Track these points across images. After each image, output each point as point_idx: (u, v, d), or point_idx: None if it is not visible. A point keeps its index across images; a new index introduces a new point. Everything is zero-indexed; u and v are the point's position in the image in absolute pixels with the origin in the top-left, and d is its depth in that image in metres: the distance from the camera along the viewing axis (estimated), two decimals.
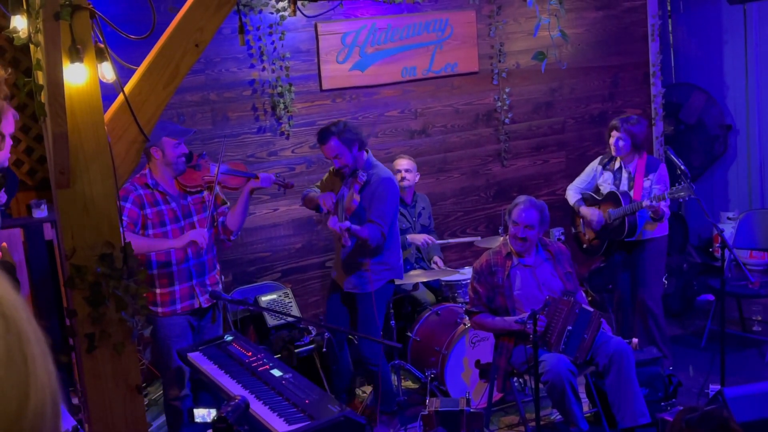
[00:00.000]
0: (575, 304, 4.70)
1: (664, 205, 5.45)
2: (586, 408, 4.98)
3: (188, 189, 4.54)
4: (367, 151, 5.06)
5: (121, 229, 3.47)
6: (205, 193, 4.59)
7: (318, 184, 5.31)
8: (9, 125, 2.75)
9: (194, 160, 4.61)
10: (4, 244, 3.92)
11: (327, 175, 5.27)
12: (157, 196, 4.47)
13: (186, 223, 4.53)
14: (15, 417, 0.77)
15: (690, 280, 6.91)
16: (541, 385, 4.56)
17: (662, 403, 5.02)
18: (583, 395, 4.96)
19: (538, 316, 4.47)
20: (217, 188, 4.63)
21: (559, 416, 4.86)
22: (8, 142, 2.97)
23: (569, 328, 4.66)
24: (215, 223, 4.67)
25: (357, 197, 4.90)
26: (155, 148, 4.43)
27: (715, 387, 4.83)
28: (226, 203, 4.72)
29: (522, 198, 5.05)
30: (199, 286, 4.56)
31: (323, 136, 4.92)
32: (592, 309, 4.79)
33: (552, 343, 4.68)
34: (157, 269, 4.46)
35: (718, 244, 6.70)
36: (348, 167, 4.94)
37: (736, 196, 7.72)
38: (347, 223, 4.76)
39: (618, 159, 5.71)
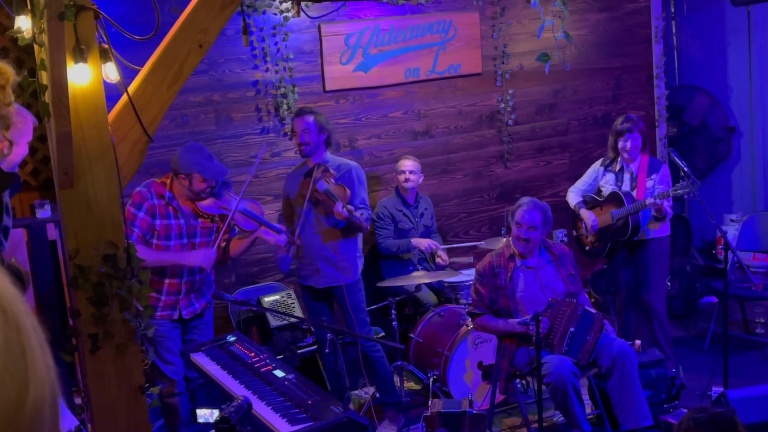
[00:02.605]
0: (578, 306, 4.69)
1: (667, 204, 5.45)
2: (588, 410, 4.97)
3: (201, 213, 4.55)
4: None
5: (124, 229, 3.46)
6: (217, 222, 4.60)
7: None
8: (24, 133, 2.73)
9: (217, 186, 4.62)
10: (15, 258, 3.93)
11: (286, 200, 5.39)
12: (169, 210, 4.48)
13: (188, 242, 4.55)
14: (14, 408, 0.78)
15: (693, 283, 6.91)
16: (543, 387, 4.55)
17: (665, 405, 5.01)
18: (585, 397, 4.96)
19: (540, 318, 4.47)
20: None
21: (562, 418, 4.85)
22: (21, 149, 2.97)
23: (572, 329, 4.65)
24: (218, 246, 4.69)
25: (339, 187, 5.10)
26: (183, 176, 4.42)
27: (718, 389, 4.83)
28: (234, 230, 4.75)
29: (525, 199, 5.04)
30: (184, 300, 4.59)
31: (301, 111, 5.22)
32: (594, 310, 4.78)
33: (555, 345, 4.67)
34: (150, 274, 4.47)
35: (721, 246, 6.68)
36: (309, 146, 5.13)
37: (740, 198, 7.71)
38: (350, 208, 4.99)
39: (620, 159, 5.71)
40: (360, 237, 5.37)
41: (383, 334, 5.92)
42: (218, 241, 4.59)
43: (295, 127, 5.19)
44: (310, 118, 5.11)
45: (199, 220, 4.57)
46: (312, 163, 5.18)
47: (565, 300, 4.73)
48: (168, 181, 4.52)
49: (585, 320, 4.68)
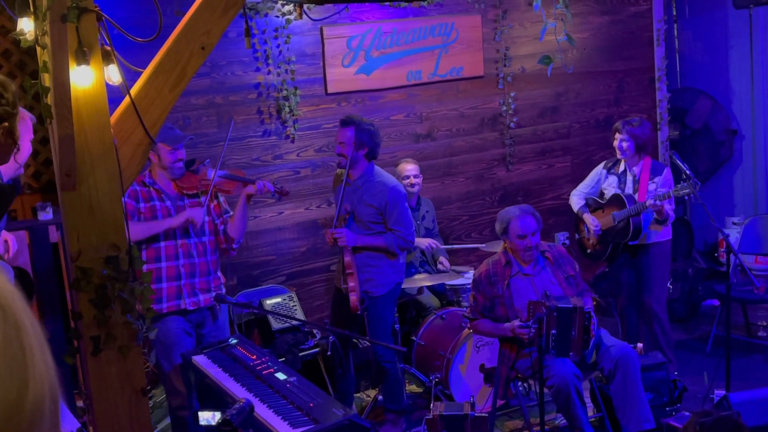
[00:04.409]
0: (551, 308, 4.56)
1: (668, 208, 5.45)
2: (590, 413, 4.96)
3: (185, 191, 4.59)
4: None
5: (126, 231, 3.47)
6: (204, 197, 4.61)
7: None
8: (25, 132, 2.74)
9: (195, 165, 4.67)
10: None
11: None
12: (152, 192, 4.56)
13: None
14: (14, 406, 0.78)
15: (695, 285, 6.90)
16: (546, 390, 4.53)
17: (667, 408, 5.00)
18: (587, 400, 4.95)
19: (522, 320, 4.48)
20: (221, 198, 4.68)
21: (564, 421, 4.85)
22: (25, 147, 2.97)
23: (553, 332, 4.56)
24: (216, 231, 4.69)
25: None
26: (151, 151, 4.46)
27: (720, 392, 4.82)
28: (229, 212, 4.74)
29: (510, 212, 4.91)
30: (187, 287, 4.56)
31: (346, 121, 5.04)
32: (571, 304, 4.62)
33: (542, 348, 4.59)
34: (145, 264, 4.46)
35: (723, 249, 6.69)
36: (344, 160, 4.99)
37: (742, 201, 7.70)
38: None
39: (622, 162, 5.72)
40: (401, 255, 5.18)
41: None
42: (206, 215, 4.61)
43: (337, 136, 5.09)
44: (350, 132, 4.95)
45: (187, 200, 4.60)
46: (352, 176, 5.06)
47: (540, 302, 4.64)
48: (146, 171, 4.60)
49: (563, 319, 4.57)
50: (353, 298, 4.98)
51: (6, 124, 2.38)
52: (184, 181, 4.59)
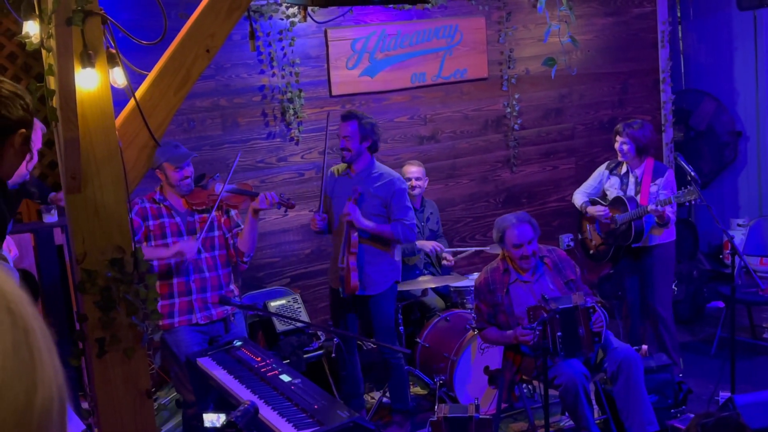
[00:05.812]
0: (553, 311, 4.53)
1: (669, 211, 5.44)
2: (595, 415, 4.95)
3: (195, 207, 4.62)
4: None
5: (131, 233, 3.48)
6: (215, 213, 4.63)
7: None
8: (33, 141, 2.75)
9: (205, 180, 4.70)
10: None
11: (325, 196, 5.25)
12: (162, 209, 4.58)
13: (188, 239, 4.59)
14: (23, 410, 0.78)
15: (700, 287, 6.89)
16: (554, 391, 4.52)
17: (672, 410, 5.00)
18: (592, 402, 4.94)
19: (528, 326, 4.47)
20: (232, 212, 4.69)
21: (569, 422, 4.84)
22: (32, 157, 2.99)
23: (559, 334, 4.55)
24: (227, 245, 4.70)
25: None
26: (158, 171, 4.54)
27: (725, 394, 4.81)
28: (239, 225, 4.75)
29: (507, 220, 4.88)
30: (198, 302, 4.57)
31: (348, 115, 5.13)
32: (572, 303, 4.58)
33: (551, 352, 4.57)
34: (158, 280, 4.47)
35: (728, 251, 6.67)
36: (350, 153, 5.07)
37: (746, 203, 7.69)
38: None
39: (625, 164, 5.71)
40: (397, 250, 5.22)
41: None
42: (208, 231, 4.61)
43: (339, 131, 5.13)
44: (354, 125, 5.03)
45: (197, 215, 4.62)
46: (355, 170, 5.13)
47: (539, 306, 4.61)
48: (158, 188, 4.66)
49: (567, 319, 4.54)
50: (354, 277, 4.98)
51: (23, 130, 2.37)
52: (193, 196, 4.63)
